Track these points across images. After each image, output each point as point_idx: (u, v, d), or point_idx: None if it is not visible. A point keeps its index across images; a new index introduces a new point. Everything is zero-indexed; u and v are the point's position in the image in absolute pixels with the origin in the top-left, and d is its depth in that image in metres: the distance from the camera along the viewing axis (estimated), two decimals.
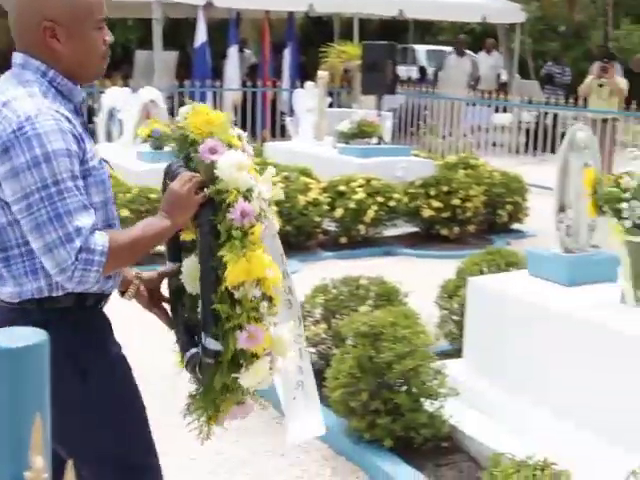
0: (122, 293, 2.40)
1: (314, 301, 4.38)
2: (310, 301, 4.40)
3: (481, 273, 4.68)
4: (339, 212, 7.54)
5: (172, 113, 9.33)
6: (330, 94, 13.72)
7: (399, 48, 21.01)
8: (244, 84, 13.36)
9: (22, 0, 2.08)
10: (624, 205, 3.52)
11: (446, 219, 7.79)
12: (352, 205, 7.51)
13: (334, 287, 4.50)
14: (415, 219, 7.95)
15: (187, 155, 2.32)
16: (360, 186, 7.66)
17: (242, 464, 3.87)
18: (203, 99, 12.01)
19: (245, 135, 2.37)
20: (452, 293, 4.77)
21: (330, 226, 7.84)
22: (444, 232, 7.84)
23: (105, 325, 2.30)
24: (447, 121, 12.95)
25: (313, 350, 4.41)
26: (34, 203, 1.96)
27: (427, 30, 24.14)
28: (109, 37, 2.19)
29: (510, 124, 14.00)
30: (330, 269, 6.70)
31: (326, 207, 7.54)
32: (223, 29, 15.01)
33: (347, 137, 9.07)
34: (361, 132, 9.04)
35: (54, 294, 2.11)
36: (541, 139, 12.43)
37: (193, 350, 2.33)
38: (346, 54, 13.56)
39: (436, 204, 7.73)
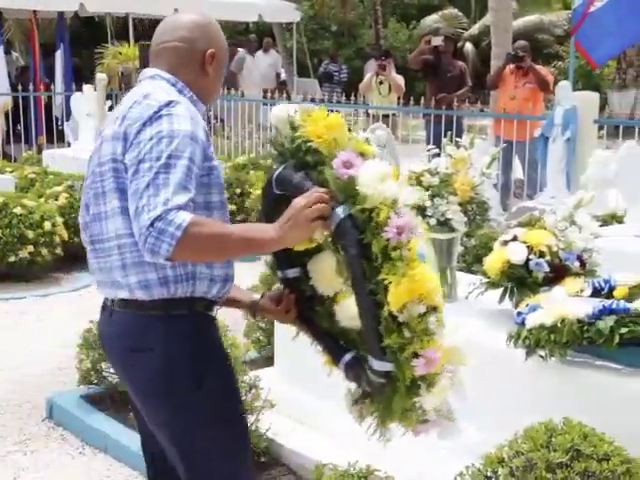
0: (252, 315, 2.53)
1: None
2: None
3: None
4: None
5: None
6: (109, 97, 13.22)
7: None
8: (14, 88, 12.55)
9: (200, 26, 2.36)
10: (428, 203, 3.53)
11: (240, 222, 7.69)
12: None
13: None
14: None
15: (301, 163, 2.16)
16: None
17: None
18: None
19: (379, 134, 2.21)
20: None
21: None
22: None
23: (218, 334, 2.37)
24: (236, 121, 12.80)
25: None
26: (141, 169, 2.06)
27: None
28: None
29: None
30: None
31: None
32: None
33: None
34: None
35: (179, 292, 2.19)
36: None
37: (347, 357, 2.26)
38: (123, 55, 13.13)
39: (230, 207, 7.60)
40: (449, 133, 3.81)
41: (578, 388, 2.95)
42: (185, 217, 1.98)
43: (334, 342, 2.34)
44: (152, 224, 1.97)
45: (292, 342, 3.98)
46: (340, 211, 2.06)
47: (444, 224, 3.57)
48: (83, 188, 2.35)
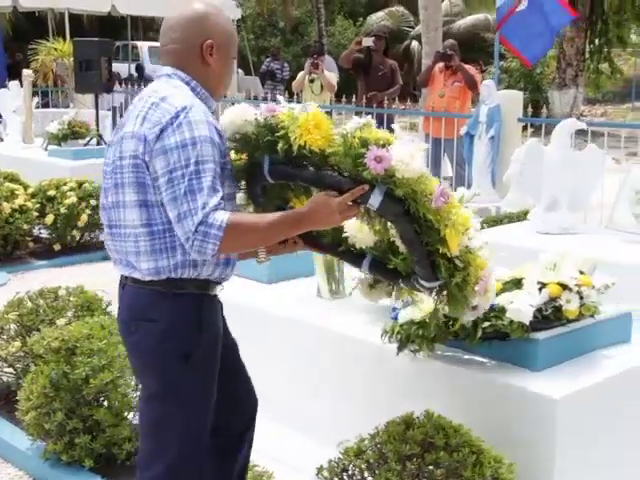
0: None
1: (6, 317, 4.07)
2: (2, 318, 4.09)
3: None
4: (50, 218, 7.15)
5: None
6: (44, 93, 13.10)
7: (119, 45, 20.45)
8: None
9: (192, 21, 2.46)
10: None
11: None
12: (63, 210, 7.14)
13: (31, 300, 4.21)
14: None
15: (293, 157, 2.39)
16: (71, 190, 7.30)
17: None
18: None
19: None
20: None
21: (42, 233, 7.45)
22: None
23: (219, 311, 2.56)
24: None
25: (11, 370, 4.12)
26: (175, 178, 2.29)
27: (149, 27, 23.83)
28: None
29: None
30: (43, 278, 6.37)
31: (35, 213, 7.15)
32: None
33: (58, 139, 8.66)
34: (73, 133, 8.67)
35: (185, 275, 2.40)
36: None
37: (366, 261, 2.66)
38: (58, 51, 12.99)
39: None
40: None
41: (445, 381, 3.00)
42: (223, 217, 2.24)
43: (349, 252, 2.70)
44: (196, 229, 2.23)
45: None
46: (378, 192, 2.30)
47: None
48: (103, 173, 2.52)
